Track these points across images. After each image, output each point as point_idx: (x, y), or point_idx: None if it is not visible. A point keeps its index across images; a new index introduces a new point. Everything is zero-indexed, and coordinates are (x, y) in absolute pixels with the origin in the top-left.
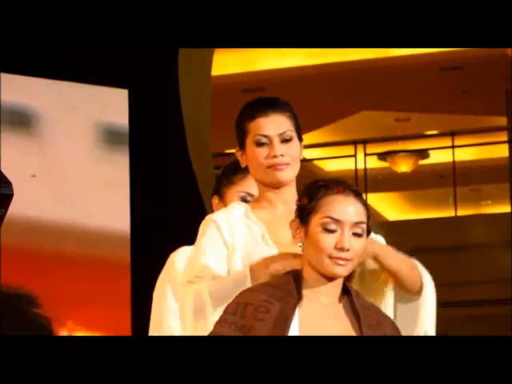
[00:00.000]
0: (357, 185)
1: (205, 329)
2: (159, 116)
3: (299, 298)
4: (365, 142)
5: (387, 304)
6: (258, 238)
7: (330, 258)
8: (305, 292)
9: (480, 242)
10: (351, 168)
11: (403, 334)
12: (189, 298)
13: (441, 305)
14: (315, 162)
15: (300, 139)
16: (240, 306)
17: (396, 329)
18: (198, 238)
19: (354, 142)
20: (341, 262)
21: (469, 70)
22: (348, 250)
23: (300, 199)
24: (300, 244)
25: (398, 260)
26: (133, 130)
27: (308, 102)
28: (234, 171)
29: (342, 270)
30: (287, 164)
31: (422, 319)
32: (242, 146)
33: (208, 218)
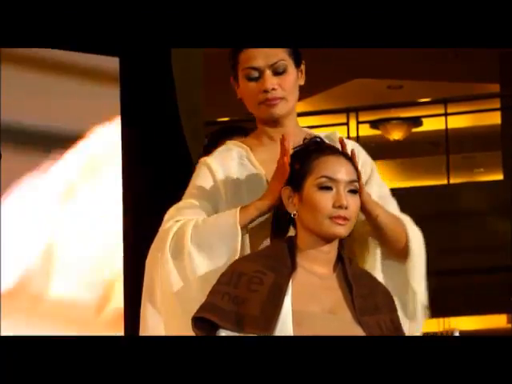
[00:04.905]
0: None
1: (180, 269)
2: (151, 84)
3: (293, 267)
4: (357, 109)
5: (375, 266)
6: (256, 185)
7: (330, 218)
8: (299, 261)
9: (473, 210)
10: (344, 136)
11: (395, 297)
12: (168, 231)
13: (433, 273)
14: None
15: (298, 65)
16: (234, 275)
17: (389, 297)
18: (190, 182)
19: (347, 110)
20: (340, 221)
21: None
22: (346, 208)
23: (290, 165)
24: (294, 212)
25: (384, 212)
26: (124, 98)
27: None
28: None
29: (342, 230)
30: (281, 98)
31: (412, 281)
32: (235, 77)
33: (202, 160)
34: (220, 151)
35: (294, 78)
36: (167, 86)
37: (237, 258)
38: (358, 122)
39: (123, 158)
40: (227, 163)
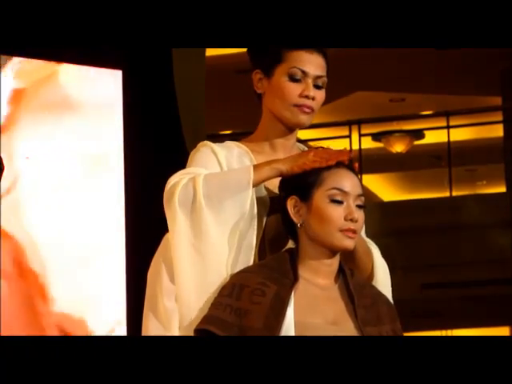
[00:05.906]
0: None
1: (190, 226)
2: (153, 97)
3: (295, 279)
4: (359, 122)
5: None
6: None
7: (341, 231)
8: (301, 272)
9: (475, 223)
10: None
11: None
12: (177, 184)
13: (434, 285)
14: (310, 143)
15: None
16: (236, 287)
17: (391, 307)
18: (189, 160)
19: (349, 123)
20: (350, 234)
21: (464, 49)
22: (357, 221)
23: (298, 175)
24: (300, 222)
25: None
26: (126, 111)
27: None
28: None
29: (352, 243)
30: (313, 110)
31: None
32: (268, 71)
33: (202, 143)
34: (220, 144)
35: (324, 96)
36: (169, 99)
37: (245, 217)
38: (360, 135)
39: (125, 172)
40: (229, 154)
